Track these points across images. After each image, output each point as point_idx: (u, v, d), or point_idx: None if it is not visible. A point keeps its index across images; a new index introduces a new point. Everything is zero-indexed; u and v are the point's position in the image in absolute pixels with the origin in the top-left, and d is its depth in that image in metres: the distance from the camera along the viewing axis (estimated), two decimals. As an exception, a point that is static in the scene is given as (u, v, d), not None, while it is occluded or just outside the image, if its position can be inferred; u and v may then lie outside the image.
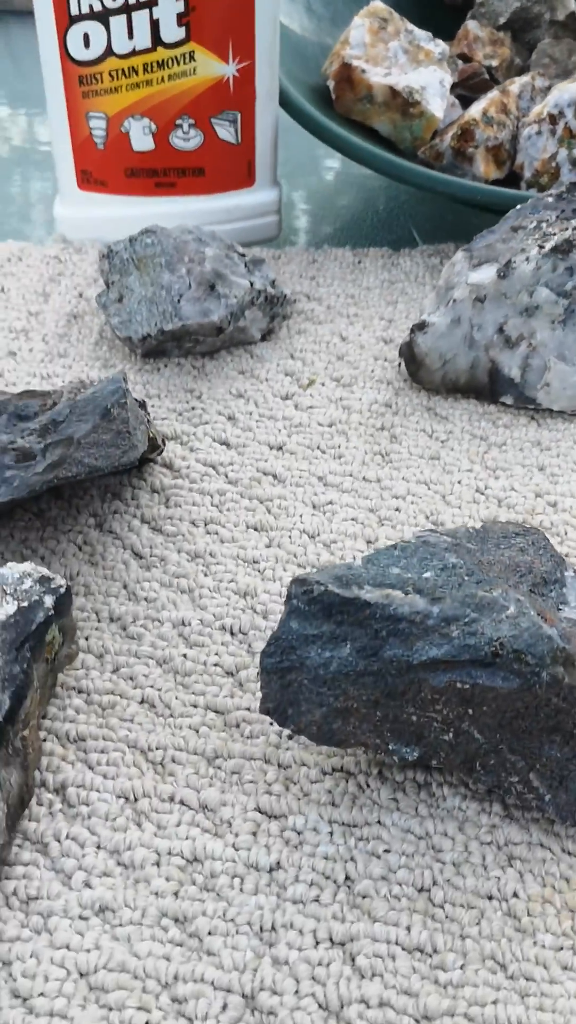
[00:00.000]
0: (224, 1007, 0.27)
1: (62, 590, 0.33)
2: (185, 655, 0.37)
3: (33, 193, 0.76)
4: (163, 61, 0.57)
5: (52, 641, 0.33)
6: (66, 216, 0.66)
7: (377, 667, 0.30)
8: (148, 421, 0.44)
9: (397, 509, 0.44)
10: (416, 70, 0.66)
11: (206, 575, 0.40)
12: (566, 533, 0.43)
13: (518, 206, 0.51)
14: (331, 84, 0.67)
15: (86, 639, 0.37)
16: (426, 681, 0.30)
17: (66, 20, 0.56)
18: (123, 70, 0.58)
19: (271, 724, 0.35)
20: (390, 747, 0.31)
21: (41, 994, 0.27)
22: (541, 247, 0.47)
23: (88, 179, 0.63)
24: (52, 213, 0.68)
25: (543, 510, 0.44)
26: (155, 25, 0.56)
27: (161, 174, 0.62)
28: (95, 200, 0.64)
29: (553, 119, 0.63)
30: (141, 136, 0.61)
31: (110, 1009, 0.27)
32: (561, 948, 0.29)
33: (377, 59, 0.66)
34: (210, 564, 0.41)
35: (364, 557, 0.33)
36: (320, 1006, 0.27)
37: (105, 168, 0.62)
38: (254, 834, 0.31)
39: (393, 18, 0.68)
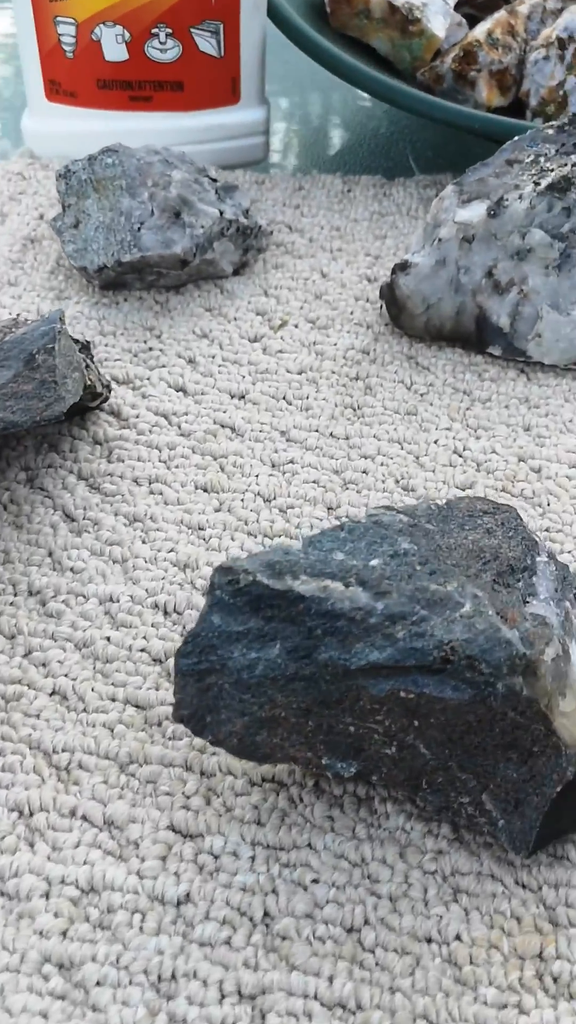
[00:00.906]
0: (105, 1077, 0.22)
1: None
2: (108, 638, 0.32)
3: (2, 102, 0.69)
4: (134, -40, 0.50)
5: None
6: (33, 129, 0.59)
7: (310, 671, 0.25)
8: (88, 366, 0.38)
9: (364, 471, 0.38)
10: (418, -19, 0.59)
11: (143, 542, 0.35)
12: (548, 504, 0.37)
13: (516, 137, 0.45)
14: (326, -5, 0.59)
15: (-1, 615, 0.32)
16: (365, 689, 0.25)
17: None
18: (90, -31, 0.51)
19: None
20: (323, 761, 0.26)
21: None
22: (537, 184, 0.41)
23: (57, 90, 0.57)
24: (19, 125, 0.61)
25: (525, 476, 0.38)
26: None
27: (136, 87, 0.56)
28: (64, 113, 0.57)
29: (562, 43, 0.56)
30: (113, 45, 0.54)
31: (-29, 1076, 0.22)
32: (505, 1006, 0.24)
33: (376, -33, 0.59)
34: (149, 530, 0.36)
35: (306, 539, 0.27)
36: (219, 1078, 0.22)
37: (75, 78, 0.56)
38: (163, 858, 0.26)
39: None
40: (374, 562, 0.26)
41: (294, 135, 0.67)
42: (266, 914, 0.25)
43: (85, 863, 0.26)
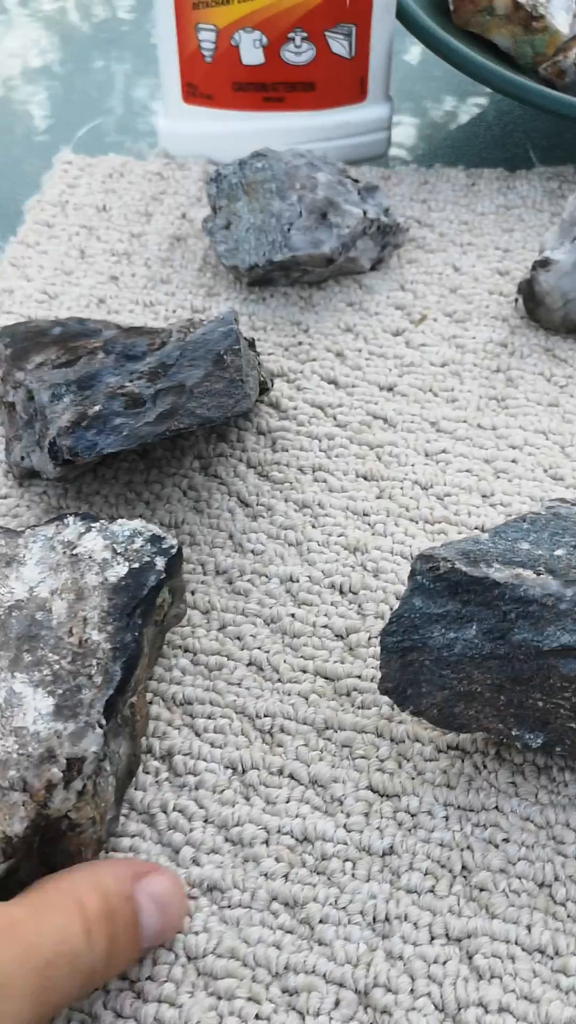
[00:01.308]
0: (337, 1003, 0.25)
1: (173, 551, 0.30)
2: (293, 615, 0.34)
3: (135, 103, 0.71)
4: (277, -30, 0.52)
5: (162, 603, 0.30)
6: (169, 130, 0.62)
7: (504, 651, 0.27)
8: (259, 364, 0.40)
9: (514, 461, 0.40)
10: (541, -22, 0.60)
11: (314, 527, 0.38)
12: None
13: None
14: (450, -6, 0.61)
15: (192, 593, 0.35)
16: (556, 668, 0.27)
17: None
18: (235, -21, 0.53)
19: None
20: (513, 732, 0.28)
21: (149, 977, 0.25)
22: None
23: (194, 93, 0.59)
24: (155, 126, 0.64)
25: None
26: None
27: (270, 88, 0.58)
28: (200, 114, 0.60)
29: None
30: (251, 49, 0.56)
31: (219, 998, 0.25)
32: None
33: (500, -34, 0.60)
34: (318, 515, 0.38)
35: (492, 530, 0.30)
36: (436, 1007, 0.25)
37: (212, 82, 0.58)
38: (366, 815, 0.29)
39: None
40: (559, 552, 0.29)
41: (414, 129, 0.68)
42: (464, 868, 0.28)
43: (297, 816, 0.29)
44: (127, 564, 0.30)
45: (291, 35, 0.55)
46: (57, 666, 0.27)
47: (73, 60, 0.75)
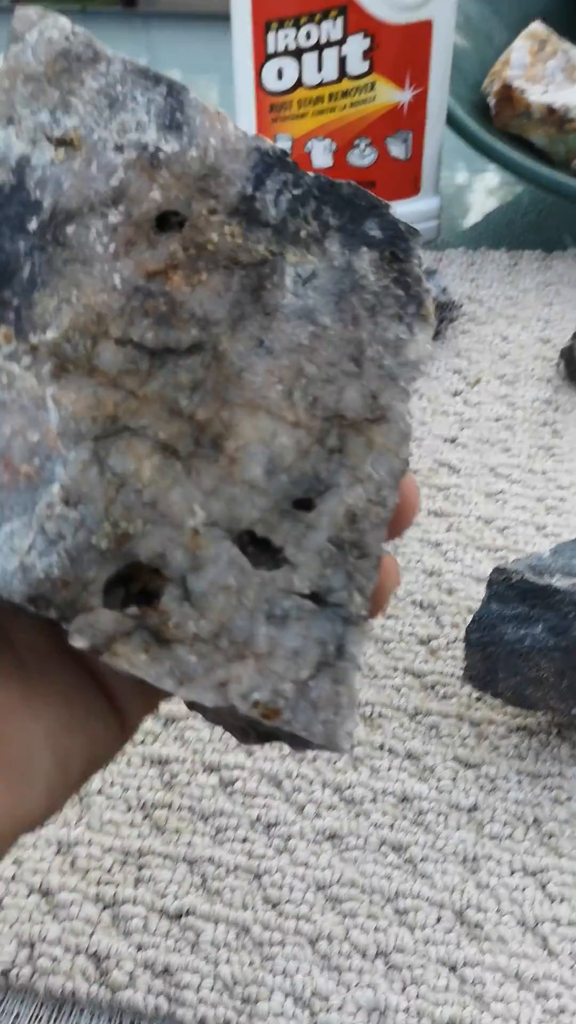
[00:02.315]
0: (439, 919, 0.31)
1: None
2: (383, 625, 0.40)
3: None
4: (347, 91, 0.60)
5: None
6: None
7: (565, 644, 0.33)
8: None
9: (562, 499, 0.46)
10: (573, 87, 0.67)
11: (399, 556, 0.44)
12: None
13: None
14: (491, 102, 0.68)
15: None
16: (607, 657, 0.33)
17: (263, 57, 0.59)
18: (311, 99, 0.60)
19: (462, 687, 0.38)
20: (572, 711, 0.34)
21: (287, 901, 0.31)
22: None
23: (272, 192, 0.66)
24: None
25: None
26: (342, 60, 0.58)
27: (337, 187, 0.65)
28: (276, 211, 0.67)
29: None
30: (322, 154, 0.64)
31: (344, 916, 0.31)
32: None
33: (535, 78, 0.67)
34: (399, 546, 0.44)
35: (551, 550, 0.36)
36: (519, 923, 0.31)
37: (287, 183, 0.65)
38: (453, 779, 0.35)
39: (551, 39, 0.69)
40: (606, 563, 0.35)
41: (460, 217, 0.76)
42: (536, 820, 0.33)
43: (397, 781, 0.34)
44: None
45: (357, 142, 0.63)
46: None
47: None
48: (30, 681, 0.22)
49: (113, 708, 0.24)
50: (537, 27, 0.69)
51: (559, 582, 0.34)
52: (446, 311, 0.58)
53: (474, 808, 0.34)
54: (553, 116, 0.67)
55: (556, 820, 0.33)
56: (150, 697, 0.24)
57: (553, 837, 0.33)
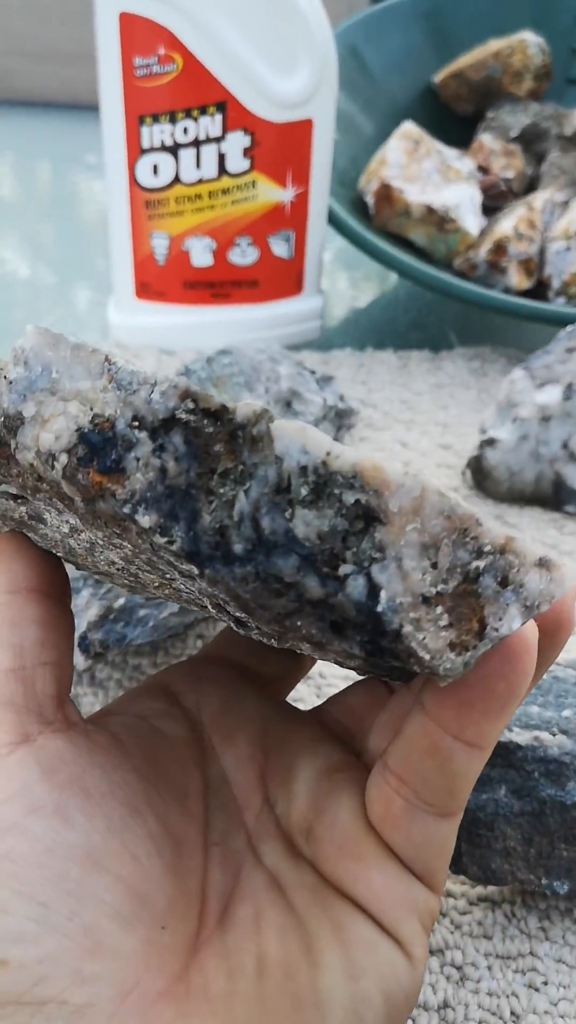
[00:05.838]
0: None
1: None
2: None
3: (83, 299, 0.76)
4: (227, 188, 0.58)
5: None
6: (121, 323, 0.66)
7: (532, 808, 0.30)
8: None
9: (487, 622, 0.44)
10: (448, 187, 0.68)
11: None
12: None
13: (568, 327, 0.52)
14: (370, 201, 0.68)
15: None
16: (578, 820, 0.30)
17: (137, 152, 0.57)
18: (189, 196, 0.58)
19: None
20: (543, 882, 0.31)
21: None
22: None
23: (147, 290, 0.63)
24: (105, 317, 0.68)
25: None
26: (222, 157, 0.56)
27: (218, 286, 0.63)
28: (152, 309, 0.64)
29: (579, 233, 0.65)
30: (201, 253, 0.61)
31: None
32: None
33: (412, 178, 0.67)
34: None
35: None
36: None
37: (164, 281, 0.63)
38: (417, 972, 0.31)
39: (424, 139, 0.69)
40: (566, 713, 0.32)
41: (341, 316, 0.74)
42: (512, 1013, 0.30)
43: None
44: None
45: (238, 240, 0.61)
46: None
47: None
48: None
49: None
50: (410, 127, 0.69)
51: (518, 737, 0.31)
52: (344, 418, 0.55)
53: (444, 1006, 0.30)
54: (433, 216, 0.67)
55: (535, 1012, 0.30)
56: None
57: (536, 1035, 0.29)
